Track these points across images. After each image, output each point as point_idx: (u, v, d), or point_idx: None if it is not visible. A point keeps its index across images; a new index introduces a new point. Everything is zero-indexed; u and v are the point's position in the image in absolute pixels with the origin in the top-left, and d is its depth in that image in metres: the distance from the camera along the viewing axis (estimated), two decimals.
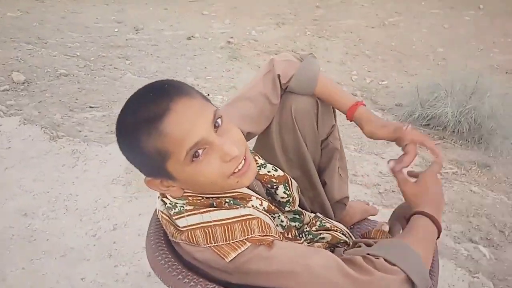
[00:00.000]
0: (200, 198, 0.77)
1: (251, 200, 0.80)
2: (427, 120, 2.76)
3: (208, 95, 3.06)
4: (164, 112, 0.68)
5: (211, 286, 0.74)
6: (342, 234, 1.03)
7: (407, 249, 0.77)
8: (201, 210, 0.75)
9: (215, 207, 0.76)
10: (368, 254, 0.75)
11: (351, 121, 1.04)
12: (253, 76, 1.09)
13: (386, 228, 1.15)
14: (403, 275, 0.72)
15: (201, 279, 0.75)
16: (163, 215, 0.80)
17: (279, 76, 1.02)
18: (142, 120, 0.68)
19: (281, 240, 0.77)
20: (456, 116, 2.57)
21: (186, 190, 0.77)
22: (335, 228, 1.03)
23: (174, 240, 0.78)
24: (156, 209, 0.86)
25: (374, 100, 3.13)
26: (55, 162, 2.21)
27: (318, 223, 1.03)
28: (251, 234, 0.72)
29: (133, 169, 2.27)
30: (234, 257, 0.71)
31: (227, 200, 0.77)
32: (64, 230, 1.82)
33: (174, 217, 0.77)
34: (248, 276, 0.72)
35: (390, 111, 2.99)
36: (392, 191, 2.21)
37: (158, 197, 0.84)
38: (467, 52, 3.99)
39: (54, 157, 2.25)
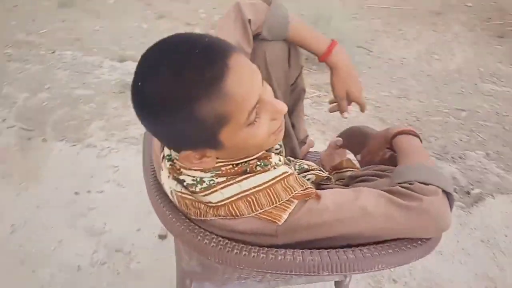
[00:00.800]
0: (231, 166, 0.72)
1: (271, 158, 0.76)
2: None
3: (54, 52, 2.63)
4: (223, 71, 0.59)
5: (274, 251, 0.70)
6: (320, 171, 1.08)
7: (427, 167, 0.79)
8: (237, 179, 0.71)
9: (248, 173, 0.72)
10: (399, 183, 0.75)
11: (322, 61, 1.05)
12: (219, 21, 1.00)
13: (340, 141, 1.21)
14: (440, 191, 0.73)
15: (250, 247, 0.71)
16: (183, 195, 0.73)
17: (249, 21, 0.97)
18: (199, 83, 0.58)
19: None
20: None
21: (218, 160, 0.71)
22: (312, 168, 1.06)
23: (202, 218, 0.72)
24: (170, 191, 0.76)
25: None
26: None
27: (296, 166, 1.04)
28: (294, 191, 0.71)
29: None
30: (287, 218, 0.69)
31: (258, 163, 0.73)
32: None
33: (201, 194, 0.70)
34: (298, 233, 0.70)
35: None
36: None
37: (168, 176, 0.75)
38: None
39: None
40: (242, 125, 0.64)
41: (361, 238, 0.72)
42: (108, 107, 2.21)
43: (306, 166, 1.06)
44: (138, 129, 2.08)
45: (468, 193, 1.89)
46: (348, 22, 3.38)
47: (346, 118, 1.11)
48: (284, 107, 0.68)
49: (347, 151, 1.25)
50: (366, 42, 3.24)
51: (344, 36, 2.94)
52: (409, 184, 0.74)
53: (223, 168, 0.71)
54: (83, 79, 2.39)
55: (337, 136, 1.31)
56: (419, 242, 0.73)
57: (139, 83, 0.61)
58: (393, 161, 1.00)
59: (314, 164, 1.11)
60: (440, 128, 2.39)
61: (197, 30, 3.17)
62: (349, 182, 0.92)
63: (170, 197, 0.77)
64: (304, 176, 1.03)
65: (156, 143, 0.85)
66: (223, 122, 0.62)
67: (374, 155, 1.02)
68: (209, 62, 0.59)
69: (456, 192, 1.89)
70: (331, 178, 1.05)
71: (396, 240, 0.73)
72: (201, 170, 0.71)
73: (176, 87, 0.59)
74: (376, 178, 0.87)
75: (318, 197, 0.71)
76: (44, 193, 1.69)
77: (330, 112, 1.12)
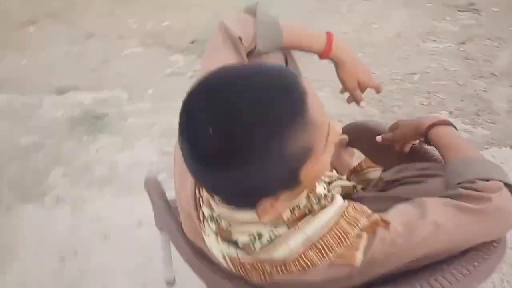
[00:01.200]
0: (290, 212, 0.65)
1: (316, 188, 0.69)
2: None
3: None
4: (303, 97, 0.55)
5: None
6: (340, 179, 1.03)
7: (481, 160, 0.77)
8: (300, 226, 0.64)
9: (307, 215, 0.65)
10: (458, 183, 0.72)
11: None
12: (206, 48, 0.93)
13: (346, 139, 1.15)
14: (502, 184, 0.71)
15: None
16: (241, 259, 0.65)
17: (240, 38, 0.89)
18: (285, 116, 0.53)
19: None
20: None
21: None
22: (333, 179, 1.01)
23: (269, 281, 0.65)
24: (222, 256, 0.68)
25: (168, 44, 3.01)
26: None
27: None
28: (359, 223, 0.64)
29: None
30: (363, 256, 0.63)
31: (313, 201, 0.67)
32: None
33: (264, 252, 0.63)
34: (376, 267, 0.65)
35: (189, 50, 2.95)
36: None
37: (216, 239, 0.67)
38: None
39: None
40: (320, 154, 0.59)
41: (439, 254, 0.69)
42: (63, 150, 2.03)
43: (327, 179, 1.00)
44: (104, 167, 1.93)
45: None
46: (284, 7, 3.34)
47: (363, 107, 1.06)
48: (340, 129, 0.65)
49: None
50: (304, 23, 3.23)
51: None
52: (470, 183, 0.71)
53: (284, 216, 0.64)
54: (25, 124, 2.18)
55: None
56: (495, 244, 0.71)
57: (208, 130, 0.52)
58: (415, 154, 0.97)
59: (334, 174, 1.06)
60: (399, 96, 2.44)
61: (133, 43, 3.00)
62: (387, 187, 0.89)
63: (223, 262, 0.69)
64: (332, 190, 0.97)
65: (184, 205, 0.76)
66: (308, 154, 0.57)
67: (401, 145, 1.00)
68: (288, 92, 0.55)
69: None
70: (356, 186, 1.01)
71: (472, 249, 0.70)
72: (259, 223, 0.63)
73: (262, 127, 0.52)
74: (420, 179, 0.83)
75: (385, 223, 0.65)
76: (26, 268, 1.52)
77: (348, 103, 1.08)
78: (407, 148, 0.98)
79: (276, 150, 0.53)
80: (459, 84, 2.49)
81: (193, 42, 3.03)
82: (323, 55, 0.98)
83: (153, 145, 2.10)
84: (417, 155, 0.97)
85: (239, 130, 0.52)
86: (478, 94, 2.38)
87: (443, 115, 2.23)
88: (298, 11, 3.35)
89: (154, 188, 0.99)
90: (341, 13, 3.40)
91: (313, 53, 0.98)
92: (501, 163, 1.88)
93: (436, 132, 0.87)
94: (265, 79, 0.55)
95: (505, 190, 0.71)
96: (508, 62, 2.70)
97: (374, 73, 2.67)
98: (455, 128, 0.88)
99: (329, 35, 0.97)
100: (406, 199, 0.72)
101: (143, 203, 1.76)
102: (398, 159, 0.98)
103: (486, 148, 1.95)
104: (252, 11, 0.93)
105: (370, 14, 3.35)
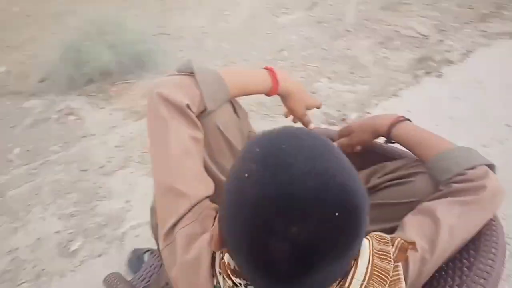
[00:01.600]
0: None
1: None
2: (91, 77, 2.58)
3: None
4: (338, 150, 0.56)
5: None
6: None
7: (459, 150, 0.79)
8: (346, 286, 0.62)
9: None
10: (450, 179, 0.75)
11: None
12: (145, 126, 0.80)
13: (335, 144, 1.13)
14: (485, 167, 0.75)
15: None
16: None
17: (188, 106, 0.79)
18: (354, 174, 0.54)
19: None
20: (117, 55, 2.54)
21: None
22: None
23: None
24: None
25: (15, 91, 2.62)
26: None
27: None
28: (390, 254, 0.64)
29: None
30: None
31: None
32: None
33: None
34: (414, 287, 0.68)
35: (42, 91, 2.61)
36: None
37: None
38: None
39: None
40: None
41: (458, 249, 0.73)
42: None
43: None
44: (3, 259, 1.62)
45: (344, 120, 2.06)
46: (133, 14, 3.14)
47: (312, 128, 1.06)
48: None
49: None
50: (159, 27, 3.10)
51: (141, 35, 2.74)
52: (460, 175, 0.75)
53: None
54: None
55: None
56: (493, 221, 0.75)
57: (303, 223, 0.47)
58: (372, 154, 0.98)
59: None
60: None
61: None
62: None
63: None
64: None
65: None
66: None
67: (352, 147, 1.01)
68: (334, 153, 0.53)
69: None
70: None
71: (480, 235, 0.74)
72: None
73: (358, 192, 0.51)
74: (400, 180, 0.83)
75: (412, 244, 0.66)
76: None
77: (295, 123, 1.06)
78: (357, 149, 1.00)
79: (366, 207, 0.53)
80: (324, 49, 2.64)
81: (42, 81, 2.69)
82: (270, 93, 0.95)
83: (49, 212, 1.83)
84: (375, 155, 0.97)
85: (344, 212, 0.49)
86: (344, 54, 2.55)
87: (322, 82, 2.35)
88: (146, 15, 3.19)
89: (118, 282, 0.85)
90: (191, 8, 3.33)
91: (261, 93, 0.94)
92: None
93: (398, 131, 0.88)
94: (327, 152, 0.53)
95: (491, 172, 0.76)
96: (355, 16, 2.95)
97: (245, 60, 2.70)
98: (410, 120, 0.90)
99: (270, 71, 0.94)
100: (393, 204, 0.73)
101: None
102: (354, 162, 0.97)
103: (376, 104, 2.12)
104: (187, 70, 0.84)
105: (219, 2, 3.35)
